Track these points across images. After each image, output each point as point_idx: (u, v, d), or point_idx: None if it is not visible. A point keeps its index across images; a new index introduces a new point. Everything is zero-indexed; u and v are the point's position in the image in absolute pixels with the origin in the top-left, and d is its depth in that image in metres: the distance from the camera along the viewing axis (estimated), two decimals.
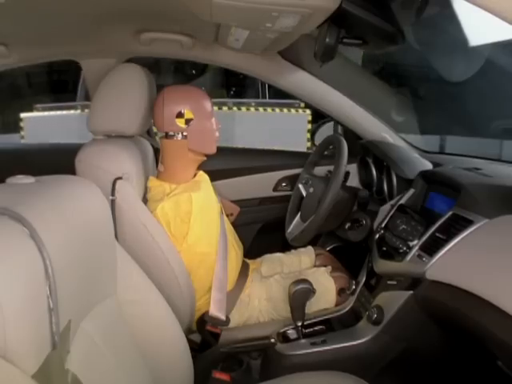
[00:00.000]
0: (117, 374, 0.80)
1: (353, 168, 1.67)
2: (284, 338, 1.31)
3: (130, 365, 0.86)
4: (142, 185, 1.34)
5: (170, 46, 1.53)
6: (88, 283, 0.81)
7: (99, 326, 0.80)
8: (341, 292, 1.46)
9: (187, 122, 1.32)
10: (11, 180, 0.81)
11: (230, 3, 0.91)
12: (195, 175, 1.42)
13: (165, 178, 1.37)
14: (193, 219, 1.28)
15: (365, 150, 1.49)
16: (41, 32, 1.33)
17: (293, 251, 1.68)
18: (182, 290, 1.23)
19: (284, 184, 1.86)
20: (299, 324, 1.28)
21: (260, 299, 1.44)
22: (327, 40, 1.07)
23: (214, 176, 1.57)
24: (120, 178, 1.19)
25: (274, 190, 1.87)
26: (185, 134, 1.33)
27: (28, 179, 0.82)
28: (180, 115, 1.32)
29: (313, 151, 1.68)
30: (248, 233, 1.85)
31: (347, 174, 1.38)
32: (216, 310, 1.32)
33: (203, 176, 1.45)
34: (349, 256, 1.64)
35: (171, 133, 1.33)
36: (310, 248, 1.67)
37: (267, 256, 1.65)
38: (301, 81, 1.61)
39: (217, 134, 1.42)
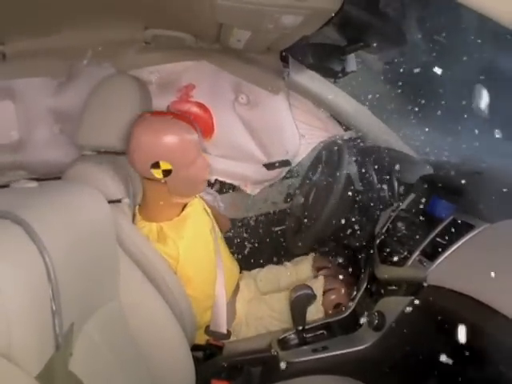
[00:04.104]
0: (118, 376, 0.79)
1: (353, 173, 1.67)
2: (285, 344, 1.30)
3: (131, 368, 0.86)
4: (132, 207, 1.26)
5: (172, 45, 1.50)
6: (90, 286, 0.81)
7: (102, 328, 0.80)
8: (337, 306, 1.41)
9: (165, 173, 1.16)
10: (15, 184, 0.82)
11: (232, 5, 0.92)
12: (184, 207, 1.30)
13: (146, 215, 1.24)
14: (180, 266, 1.21)
15: (366, 155, 1.49)
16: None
17: (288, 264, 1.64)
18: (180, 305, 1.16)
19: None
20: (300, 329, 1.28)
21: (248, 321, 1.42)
22: None
23: None
24: (113, 202, 1.09)
25: None
26: (164, 181, 1.18)
27: (31, 184, 0.83)
28: (155, 166, 1.15)
29: (313, 157, 1.68)
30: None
31: (348, 179, 1.38)
32: (216, 326, 1.30)
33: (192, 208, 1.31)
34: (350, 262, 1.64)
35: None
36: (310, 256, 1.63)
37: (264, 270, 1.62)
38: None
39: (205, 175, 1.27)
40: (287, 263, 1.65)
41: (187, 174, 1.20)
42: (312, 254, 1.66)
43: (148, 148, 1.13)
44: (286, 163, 1.69)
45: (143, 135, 1.15)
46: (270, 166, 1.69)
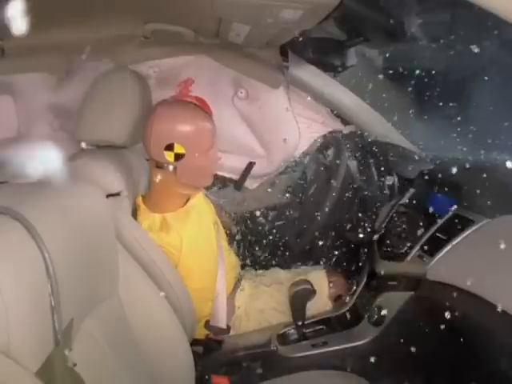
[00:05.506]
0: (118, 372, 0.79)
1: (353, 168, 1.67)
2: (284, 339, 1.31)
3: (130, 364, 0.86)
4: (132, 201, 1.25)
5: (171, 39, 1.48)
6: (89, 282, 0.81)
7: (101, 324, 0.80)
8: (337, 299, 1.42)
9: (177, 157, 1.18)
10: (14, 180, 0.82)
11: None
12: (188, 200, 1.31)
13: (151, 205, 1.25)
14: (182, 257, 1.21)
15: (366, 150, 1.49)
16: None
17: (299, 270, 1.60)
18: (179, 300, 1.15)
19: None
20: (300, 324, 1.28)
21: (249, 315, 1.41)
22: None
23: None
24: (111, 195, 1.08)
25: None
26: (173, 166, 1.20)
27: (30, 179, 0.83)
28: (169, 148, 1.18)
29: (312, 151, 1.68)
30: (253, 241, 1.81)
31: (348, 173, 1.38)
32: (216, 321, 1.31)
33: (196, 201, 1.33)
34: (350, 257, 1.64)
35: (161, 161, 1.20)
36: (322, 272, 1.54)
37: (267, 271, 1.61)
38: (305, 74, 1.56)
39: (214, 167, 1.32)
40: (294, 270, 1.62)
41: (197, 163, 1.22)
42: (323, 269, 1.56)
43: (167, 127, 1.17)
44: (250, 167, 1.70)
45: (166, 114, 1.19)
46: (238, 185, 1.72)
